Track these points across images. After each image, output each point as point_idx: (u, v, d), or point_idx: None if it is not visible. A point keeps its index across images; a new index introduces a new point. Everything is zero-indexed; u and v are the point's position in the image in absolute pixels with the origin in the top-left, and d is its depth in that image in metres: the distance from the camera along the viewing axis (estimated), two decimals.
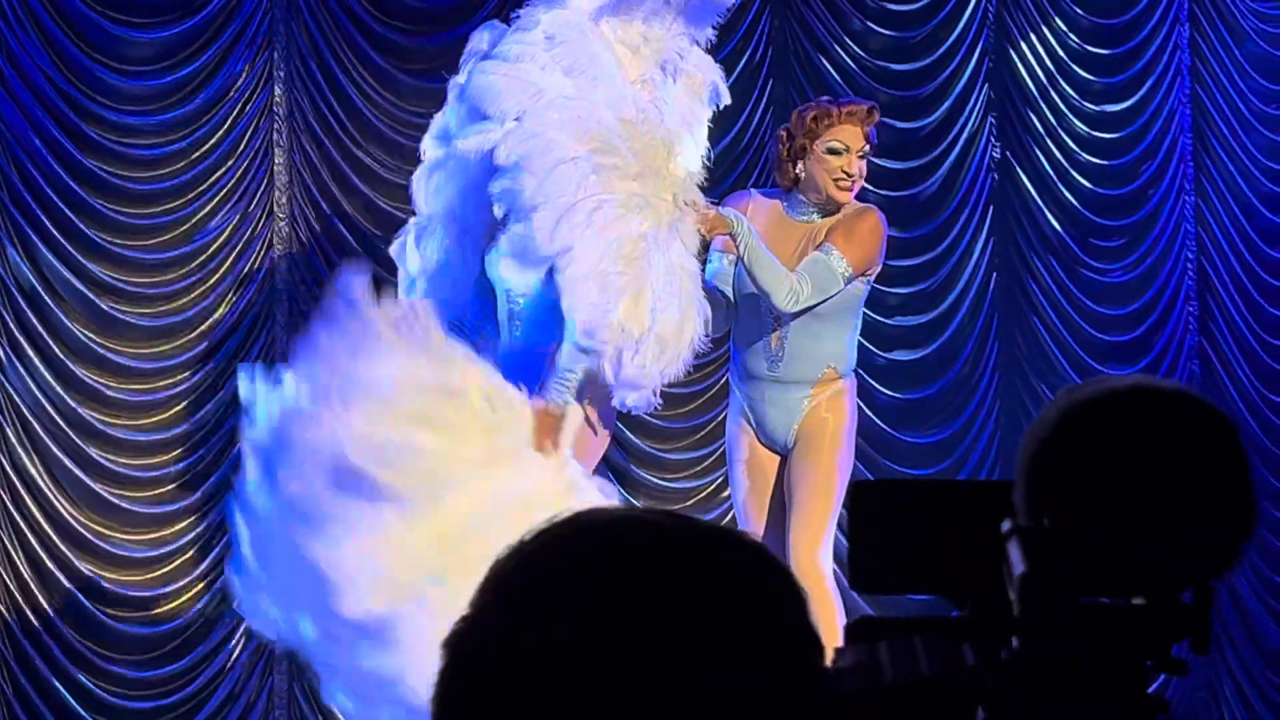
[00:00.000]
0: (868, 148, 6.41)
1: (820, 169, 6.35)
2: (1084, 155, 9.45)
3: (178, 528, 8.13)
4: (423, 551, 5.36)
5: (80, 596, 8.11)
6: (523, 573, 1.35)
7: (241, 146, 8.33)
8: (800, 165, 6.43)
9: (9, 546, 8.08)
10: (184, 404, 8.20)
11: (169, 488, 8.20)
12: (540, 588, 1.33)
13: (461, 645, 1.35)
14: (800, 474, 6.50)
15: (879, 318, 9.15)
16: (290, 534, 5.44)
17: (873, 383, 9.13)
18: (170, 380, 8.21)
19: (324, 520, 5.37)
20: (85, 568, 8.11)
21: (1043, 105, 9.42)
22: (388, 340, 5.55)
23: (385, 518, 5.37)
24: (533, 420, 5.72)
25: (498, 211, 5.91)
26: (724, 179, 8.72)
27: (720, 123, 8.87)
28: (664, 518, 1.36)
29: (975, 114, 9.37)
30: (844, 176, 6.32)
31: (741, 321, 6.60)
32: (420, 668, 5.13)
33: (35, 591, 8.08)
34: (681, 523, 1.36)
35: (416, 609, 5.24)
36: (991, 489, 1.89)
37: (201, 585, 8.20)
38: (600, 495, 5.83)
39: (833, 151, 6.32)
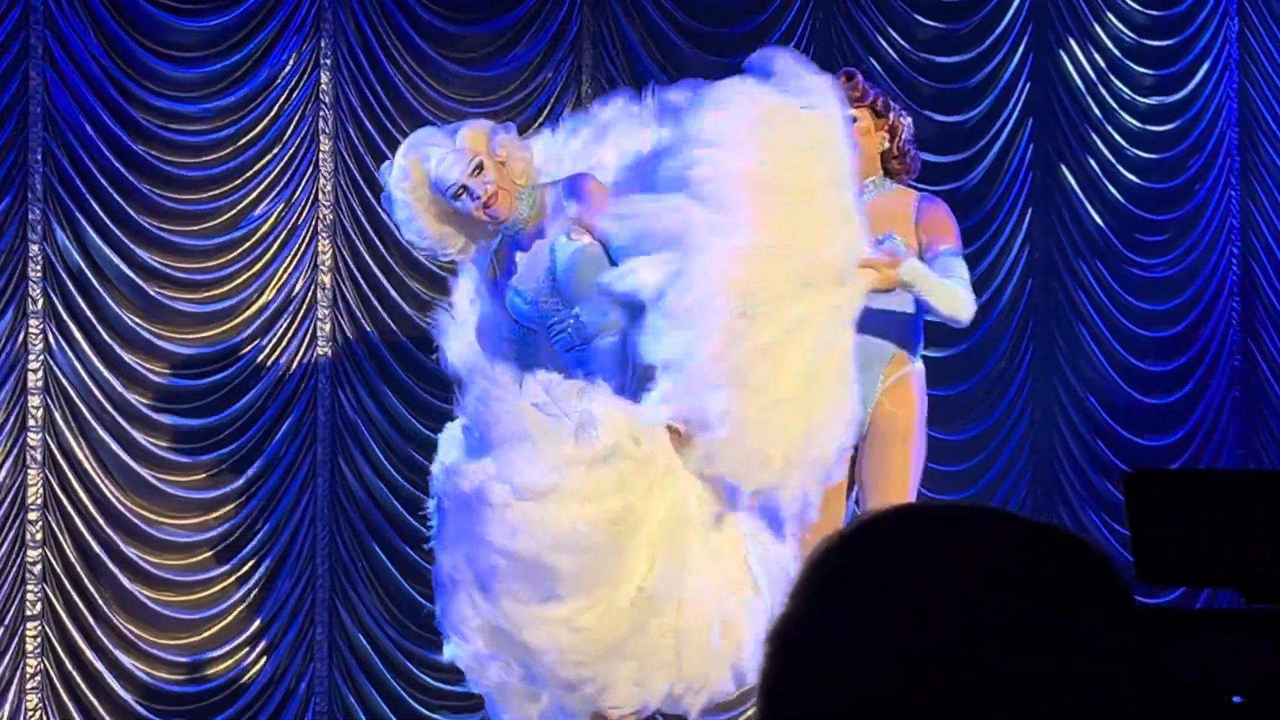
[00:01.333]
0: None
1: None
2: (1129, 149, 9.42)
3: (222, 512, 8.17)
4: (621, 611, 5.38)
5: (124, 579, 8.15)
6: (850, 567, 1.34)
7: (288, 134, 8.36)
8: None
9: (55, 529, 8.12)
10: (228, 389, 8.24)
11: (213, 473, 8.23)
12: (871, 584, 1.32)
13: (786, 640, 1.34)
14: (875, 467, 6.29)
15: None
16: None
17: None
18: (215, 366, 8.24)
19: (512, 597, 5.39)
20: (130, 551, 8.15)
21: (1088, 99, 9.40)
22: (537, 425, 5.36)
23: (570, 605, 5.35)
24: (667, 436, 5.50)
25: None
26: None
27: None
28: (993, 511, 1.36)
29: (1019, 108, 9.36)
30: None
31: None
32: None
33: (80, 573, 8.12)
34: (1010, 517, 1.35)
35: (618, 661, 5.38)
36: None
37: (245, 569, 8.24)
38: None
39: None
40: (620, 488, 5.34)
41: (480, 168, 5.73)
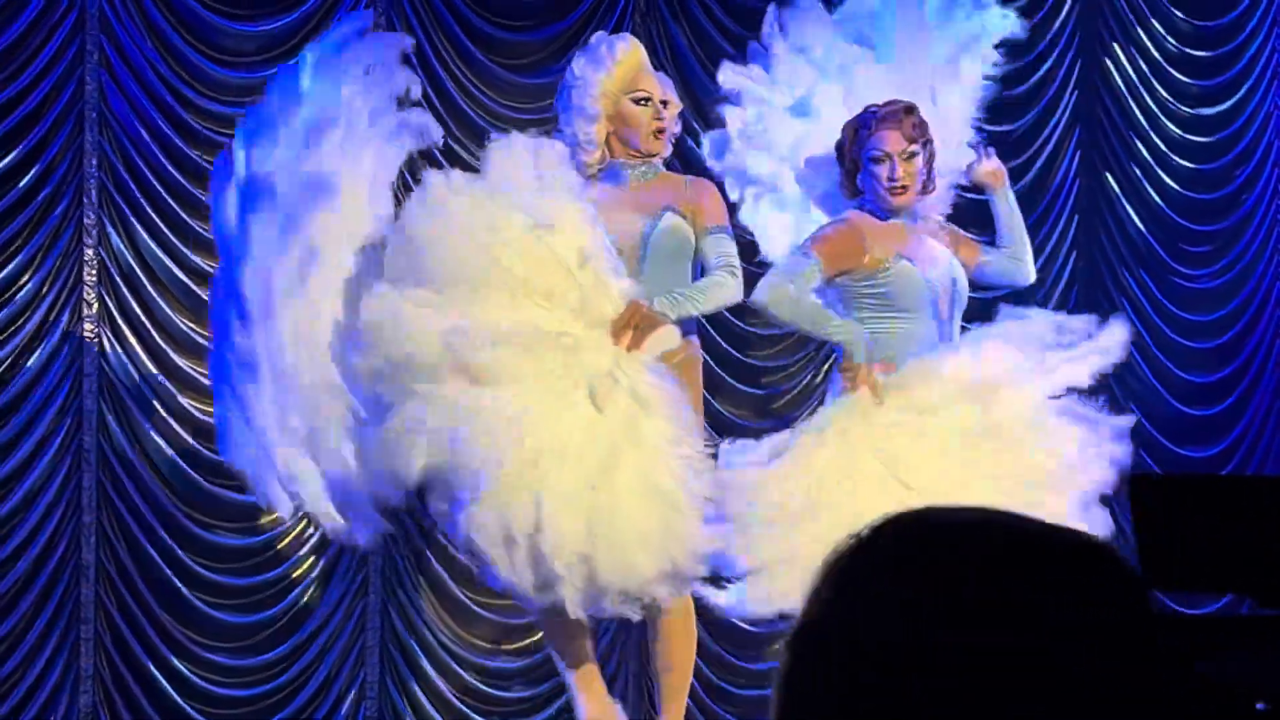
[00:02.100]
0: (914, 148, 6.32)
1: (873, 180, 6.33)
2: (1176, 159, 9.43)
3: (274, 515, 8.17)
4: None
5: (177, 582, 8.17)
6: (873, 569, 1.35)
7: None
8: (859, 179, 6.42)
9: (109, 531, 8.14)
10: None
11: None
12: (892, 590, 1.33)
13: (807, 642, 1.35)
14: None
15: (962, 323, 9.13)
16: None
17: None
18: None
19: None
20: (183, 554, 8.16)
21: (1134, 108, 9.41)
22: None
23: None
24: (623, 308, 5.69)
25: None
26: None
27: None
28: (1018, 520, 1.36)
29: (1065, 117, 9.36)
30: (889, 183, 6.28)
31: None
32: None
33: (134, 576, 8.14)
34: (1035, 526, 1.36)
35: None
36: None
37: (297, 573, 8.25)
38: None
39: (876, 160, 6.30)
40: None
41: (666, 106, 6.22)
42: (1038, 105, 9.31)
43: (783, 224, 6.72)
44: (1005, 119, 9.26)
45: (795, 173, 6.58)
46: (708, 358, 8.78)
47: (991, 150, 6.77)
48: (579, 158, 6.11)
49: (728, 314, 8.73)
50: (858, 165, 6.31)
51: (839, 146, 6.39)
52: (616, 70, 6.14)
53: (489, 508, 5.41)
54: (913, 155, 6.27)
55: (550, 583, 5.45)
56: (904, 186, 6.25)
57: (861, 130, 6.29)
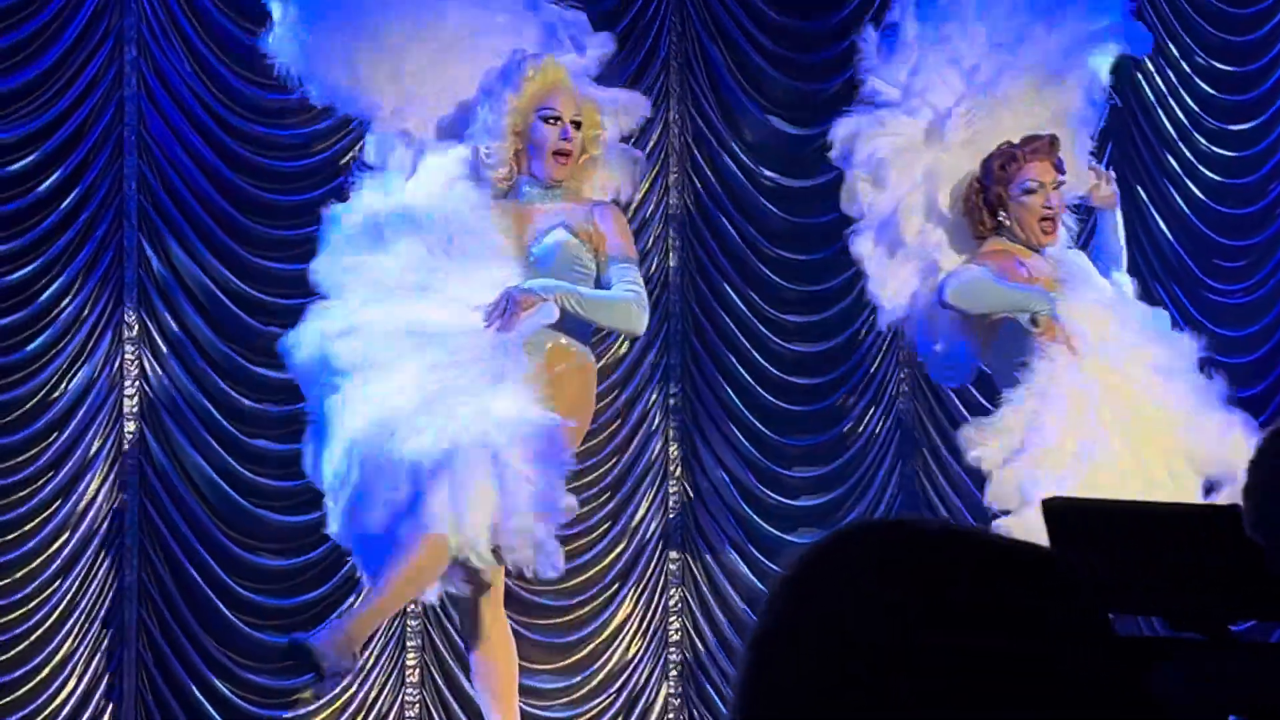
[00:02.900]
0: (1060, 178, 6.42)
1: (1023, 212, 6.35)
2: (1206, 173, 9.42)
3: (315, 537, 8.18)
4: None
5: (220, 604, 8.17)
6: (855, 572, 1.35)
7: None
8: (1002, 213, 6.42)
9: (150, 553, 8.15)
10: None
11: (306, 499, 8.24)
12: (879, 588, 1.33)
13: (761, 652, 1.35)
14: None
15: None
16: None
17: (985, 402, 9.13)
18: None
19: None
20: (224, 575, 8.17)
21: (1165, 122, 9.40)
22: None
23: None
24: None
25: None
26: None
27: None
28: (970, 533, 1.36)
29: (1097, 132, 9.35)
30: (1045, 210, 6.34)
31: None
32: None
33: (176, 598, 8.15)
34: (988, 539, 1.36)
35: None
36: (1198, 514, 1.88)
37: (337, 595, 8.26)
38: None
39: (1029, 191, 6.33)
40: None
41: (579, 128, 6.07)
42: None
43: (905, 276, 6.67)
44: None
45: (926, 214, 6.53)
46: (743, 373, 8.80)
47: (1112, 173, 6.83)
48: (484, 174, 6.06)
49: (770, 335, 8.75)
50: (1004, 200, 6.33)
51: (979, 181, 6.39)
52: (526, 87, 6.04)
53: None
54: (1059, 185, 6.35)
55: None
56: (1055, 218, 6.34)
57: (1010, 163, 6.32)
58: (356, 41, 6.11)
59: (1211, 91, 9.45)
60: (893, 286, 6.68)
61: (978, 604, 1.31)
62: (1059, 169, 6.42)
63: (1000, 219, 6.42)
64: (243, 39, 8.22)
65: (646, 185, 8.73)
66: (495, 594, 6.12)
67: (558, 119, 6.04)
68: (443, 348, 5.75)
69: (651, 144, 8.75)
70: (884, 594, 1.31)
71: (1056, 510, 1.99)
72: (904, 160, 6.56)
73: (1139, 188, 9.42)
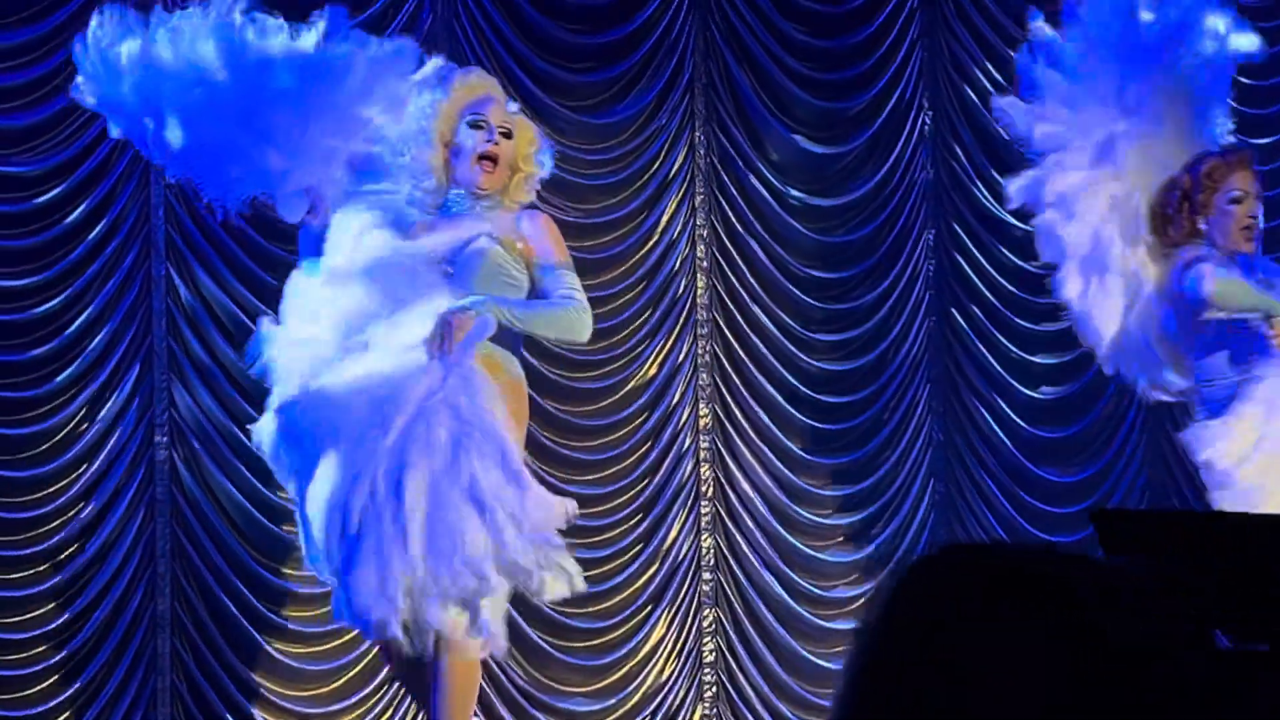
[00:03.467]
0: (1257, 188, 6.45)
1: (1227, 219, 6.35)
2: None
3: None
4: None
5: (252, 631, 8.17)
6: (924, 607, 1.34)
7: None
8: (1202, 220, 6.42)
9: (183, 581, 8.15)
10: None
11: None
12: (948, 631, 1.31)
13: (862, 668, 1.34)
14: None
15: (1024, 354, 9.13)
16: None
17: (1016, 419, 9.11)
18: None
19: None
20: (257, 602, 8.17)
21: None
22: None
23: None
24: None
25: None
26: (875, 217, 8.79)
27: (870, 162, 8.94)
28: (1081, 559, 1.35)
29: None
30: (1248, 221, 6.35)
31: None
32: None
33: (209, 626, 8.14)
34: (1091, 563, 1.35)
35: None
36: (1259, 524, 1.85)
37: None
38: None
39: (1235, 200, 6.33)
40: None
41: (509, 137, 5.89)
42: None
43: (1115, 306, 6.64)
44: None
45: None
46: (774, 392, 8.78)
47: None
48: (414, 185, 5.90)
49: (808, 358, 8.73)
50: (1207, 206, 6.33)
51: (1183, 189, 6.39)
52: (453, 94, 5.89)
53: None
54: (1258, 196, 6.38)
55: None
56: (1254, 226, 6.35)
57: (1218, 171, 6.33)
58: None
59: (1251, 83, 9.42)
60: (1101, 318, 6.64)
61: (1116, 631, 1.30)
62: (1256, 179, 6.45)
63: (1200, 226, 6.43)
64: None
65: (673, 206, 8.73)
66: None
67: (484, 124, 5.87)
68: (398, 398, 5.57)
69: (677, 166, 8.75)
70: (994, 618, 1.31)
71: (1106, 520, 1.96)
72: (1088, 194, 6.53)
73: None
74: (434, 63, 6.05)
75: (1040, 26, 6.63)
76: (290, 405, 5.69)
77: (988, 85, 9.16)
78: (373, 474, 5.44)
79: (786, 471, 8.83)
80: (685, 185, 8.80)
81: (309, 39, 5.91)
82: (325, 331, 5.67)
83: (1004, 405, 9.15)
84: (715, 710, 8.69)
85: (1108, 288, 6.60)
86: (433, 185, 5.89)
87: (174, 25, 5.85)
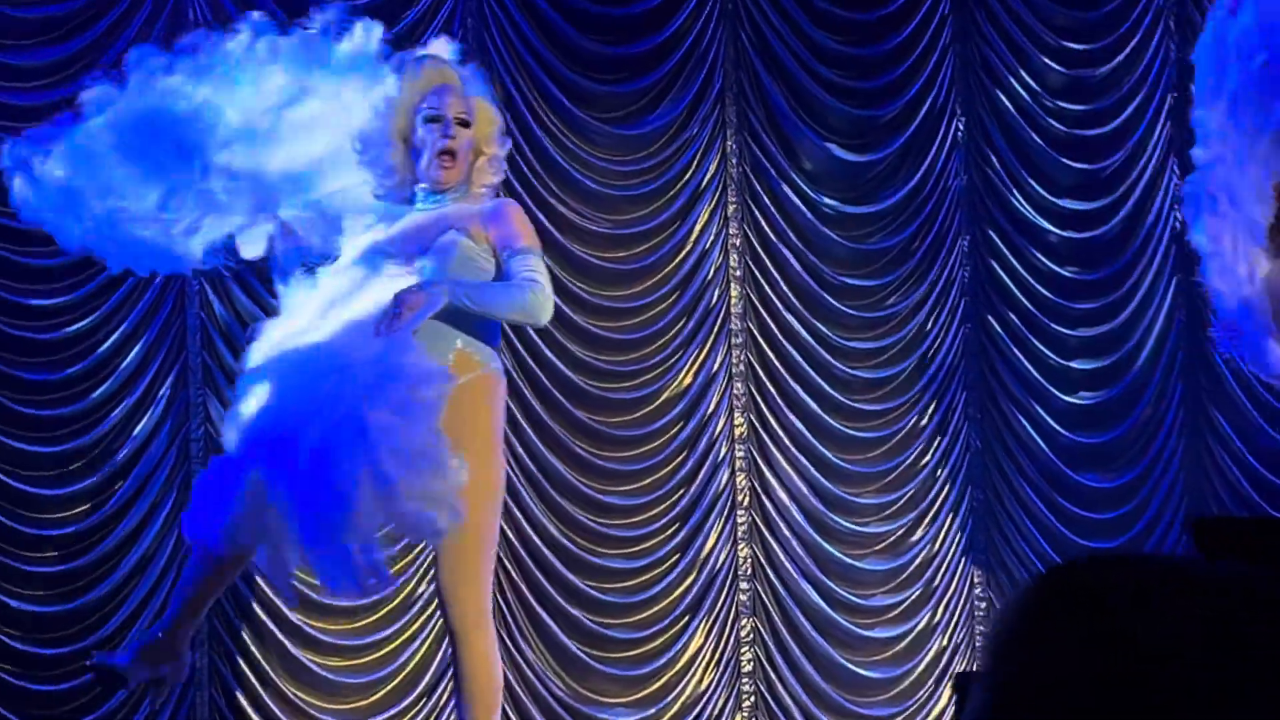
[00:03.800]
0: None
1: None
2: None
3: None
4: None
5: (289, 645, 8.18)
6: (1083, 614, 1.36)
7: None
8: None
9: (220, 597, 8.15)
10: None
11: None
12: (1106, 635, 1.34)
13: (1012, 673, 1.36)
14: None
15: (1061, 360, 9.10)
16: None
17: (1054, 425, 9.08)
18: None
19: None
20: (295, 617, 8.17)
21: None
22: None
23: None
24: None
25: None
26: (893, 231, 8.76)
27: (903, 169, 8.92)
28: (1189, 567, 1.37)
29: (1158, 152, 9.31)
30: None
31: None
32: None
33: (246, 640, 8.15)
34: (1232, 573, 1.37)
35: None
36: None
37: (409, 632, 8.26)
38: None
39: None
40: None
41: (467, 126, 5.65)
42: (1129, 141, 9.27)
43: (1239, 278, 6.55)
44: (1096, 157, 9.23)
45: None
46: (810, 401, 8.76)
47: None
48: (375, 189, 5.72)
49: (836, 361, 8.72)
50: None
51: None
52: (408, 87, 5.65)
53: None
54: None
55: None
56: None
57: None
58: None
59: None
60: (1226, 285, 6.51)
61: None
62: None
63: None
64: None
65: (706, 216, 8.73)
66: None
67: (439, 118, 5.61)
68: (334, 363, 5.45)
69: (709, 175, 8.75)
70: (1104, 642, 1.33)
71: (1208, 528, 1.94)
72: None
73: None
74: (372, 32, 5.90)
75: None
76: (243, 376, 5.60)
77: (1020, 90, 9.16)
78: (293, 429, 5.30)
79: (823, 479, 8.81)
80: (718, 195, 8.80)
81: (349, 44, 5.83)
82: (304, 319, 5.57)
83: (1041, 411, 9.13)
84: (754, 719, 8.67)
85: (1240, 255, 6.54)
86: (396, 182, 5.69)
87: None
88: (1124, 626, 1.32)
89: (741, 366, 8.80)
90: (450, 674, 8.14)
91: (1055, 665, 1.32)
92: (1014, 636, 1.37)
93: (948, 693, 8.78)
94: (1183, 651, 1.31)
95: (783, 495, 8.78)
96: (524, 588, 8.37)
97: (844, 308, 8.90)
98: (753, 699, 8.68)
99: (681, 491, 8.62)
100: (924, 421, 8.98)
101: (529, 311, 5.49)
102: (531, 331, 8.31)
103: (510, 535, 8.32)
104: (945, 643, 8.87)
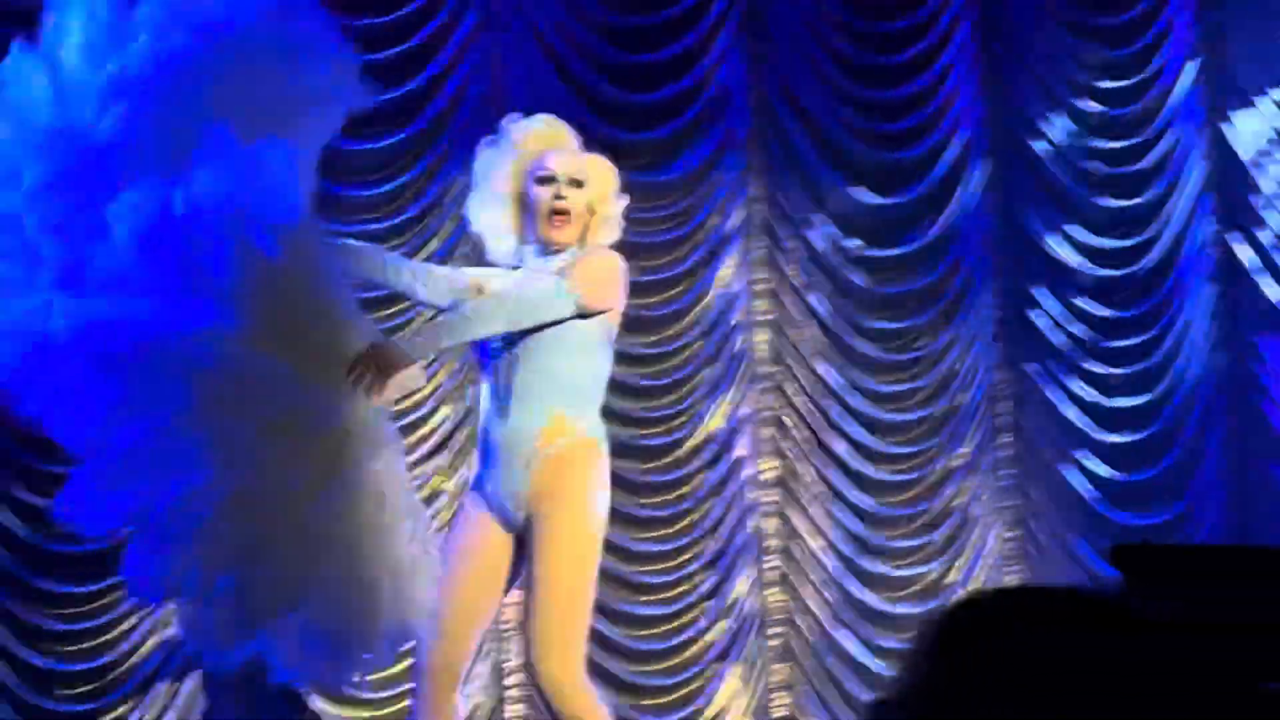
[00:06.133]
0: None
1: None
2: None
3: None
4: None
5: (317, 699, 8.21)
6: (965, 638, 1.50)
7: (459, 250, 8.43)
8: None
9: None
10: None
11: None
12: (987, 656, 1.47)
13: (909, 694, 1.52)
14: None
15: (1098, 397, 9.07)
16: None
17: (1092, 465, 9.05)
18: None
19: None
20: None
21: (1258, 177, 9.30)
22: None
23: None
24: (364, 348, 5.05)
25: None
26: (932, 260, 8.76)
27: (930, 211, 8.91)
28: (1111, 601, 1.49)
29: (1190, 189, 9.28)
30: None
31: None
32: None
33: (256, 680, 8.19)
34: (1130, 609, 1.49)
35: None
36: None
37: None
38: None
39: None
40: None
41: (580, 186, 5.65)
42: (1164, 178, 9.24)
43: None
44: (1134, 191, 9.21)
45: None
46: (838, 444, 8.74)
47: None
48: (488, 250, 5.72)
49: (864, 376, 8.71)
50: None
51: None
52: (515, 150, 5.67)
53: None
54: None
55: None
56: None
57: None
58: None
59: None
60: None
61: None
62: None
63: None
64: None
65: (732, 262, 8.73)
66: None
67: (552, 179, 5.63)
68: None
69: (734, 221, 8.76)
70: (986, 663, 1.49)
71: (1129, 554, 1.97)
72: None
73: (1241, 241, 9.34)
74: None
75: None
76: None
77: (1049, 129, 9.14)
78: None
79: (853, 523, 8.79)
80: (745, 241, 8.80)
81: None
82: None
83: (1077, 451, 9.09)
84: None
85: None
86: (509, 247, 5.73)
87: None
88: (991, 649, 1.45)
89: (769, 412, 8.79)
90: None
91: (939, 682, 1.47)
92: (915, 655, 1.53)
93: None
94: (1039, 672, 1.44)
95: (812, 540, 8.77)
96: None
97: (872, 351, 8.90)
98: None
99: (710, 537, 8.62)
100: (955, 464, 8.95)
101: (542, 308, 5.39)
102: None
103: None
104: None
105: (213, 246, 4.65)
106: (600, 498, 5.52)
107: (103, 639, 7.93)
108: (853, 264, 8.90)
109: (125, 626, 7.98)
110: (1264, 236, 9.30)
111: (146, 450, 4.64)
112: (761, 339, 8.82)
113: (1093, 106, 9.18)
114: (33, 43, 4.95)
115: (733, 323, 8.73)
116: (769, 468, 8.78)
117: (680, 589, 8.58)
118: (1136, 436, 9.13)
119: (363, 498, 4.88)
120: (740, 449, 8.73)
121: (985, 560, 8.94)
